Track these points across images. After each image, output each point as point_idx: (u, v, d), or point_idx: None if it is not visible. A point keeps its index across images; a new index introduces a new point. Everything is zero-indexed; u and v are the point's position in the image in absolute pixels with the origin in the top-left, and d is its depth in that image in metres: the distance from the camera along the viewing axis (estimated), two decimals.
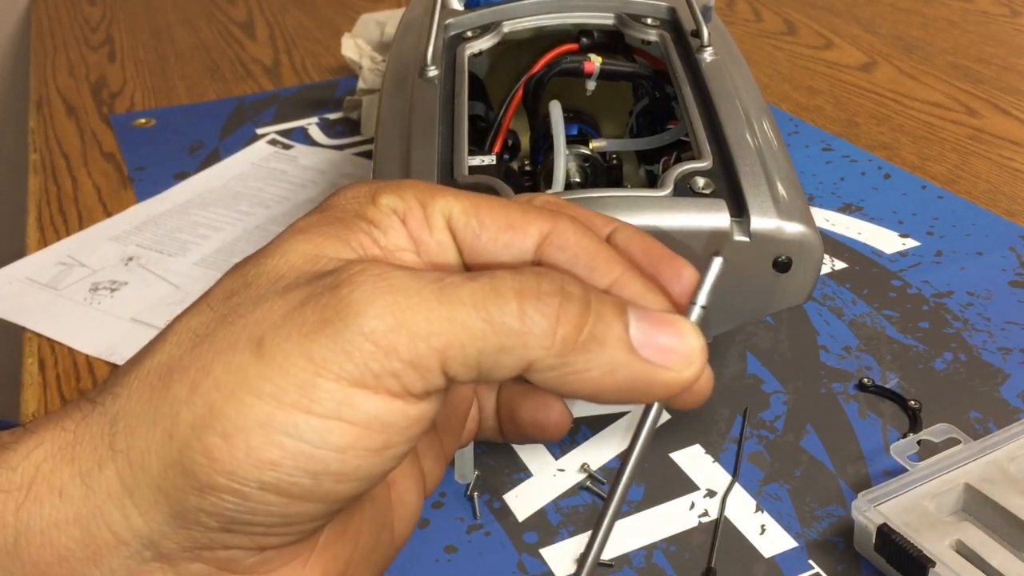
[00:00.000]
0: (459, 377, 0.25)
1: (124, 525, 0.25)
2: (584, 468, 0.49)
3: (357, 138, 0.87)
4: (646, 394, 0.26)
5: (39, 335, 0.62)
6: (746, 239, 0.44)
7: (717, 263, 0.27)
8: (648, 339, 0.26)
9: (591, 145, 0.54)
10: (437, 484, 0.33)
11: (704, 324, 0.27)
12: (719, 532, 0.45)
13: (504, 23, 0.59)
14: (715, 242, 0.44)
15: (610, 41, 0.59)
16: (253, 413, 0.24)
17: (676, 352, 0.26)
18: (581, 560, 0.27)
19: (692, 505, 0.47)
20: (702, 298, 0.27)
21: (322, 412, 0.24)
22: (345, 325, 0.24)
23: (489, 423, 0.34)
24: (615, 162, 0.56)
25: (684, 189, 0.46)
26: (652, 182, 0.55)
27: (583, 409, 0.52)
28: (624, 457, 0.27)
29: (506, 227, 0.28)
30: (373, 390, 0.24)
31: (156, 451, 0.24)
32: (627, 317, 0.26)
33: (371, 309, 0.24)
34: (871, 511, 0.42)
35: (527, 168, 0.58)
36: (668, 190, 0.45)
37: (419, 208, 0.28)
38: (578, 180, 0.54)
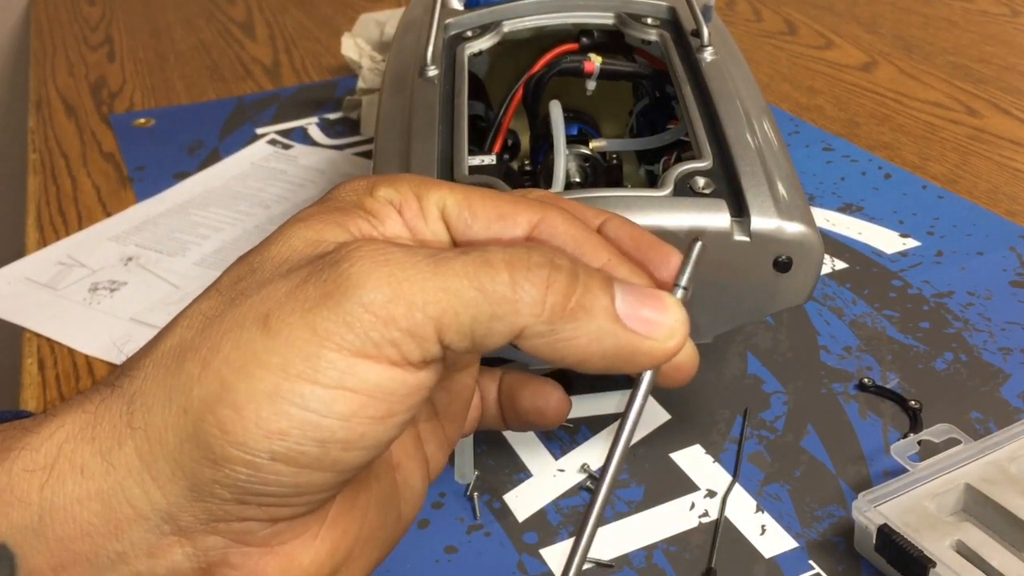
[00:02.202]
0: (454, 345, 0.26)
1: (144, 499, 0.26)
2: (584, 468, 0.49)
3: (357, 138, 0.87)
4: (630, 362, 0.27)
5: (38, 335, 0.62)
6: (746, 239, 0.44)
7: (698, 247, 0.29)
8: (633, 311, 0.27)
9: (591, 145, 0.54)
10: (440, 470, 0.35)
11: (687, 305, 0.28)
12: (719, 532, 0.45)
13: (504, 23, 0.59)
14: (709, 239, 0.44)
15: (610, 41, 0.59)
16: (262, 385, 0.25)
17: (659, 324, 0.27)
18: (571, 552, 0.27)
19: (692, 505, 0.47)
20: (684, 280, 0.29)
21: (327, 382, 0.25)
22: (345, 297, 0.25)
23: (491, 411, 0.35)
24: (615, 162, 0.56)
25: (684, 189, 0.46)
26: (652, 182, 0.55)
27: (583, 409, 0.52)
28: (611, 446, 0.28)
29: (497, 217, 0.29)
30: (374, 359, 0.25)
31: (172, 427, 0.26)
32: (613, 290, 0.27)
33: (369, 281, 0.25)
34: (871, 511, 0.42)
35: (527, 168, 0.58)
36: (668, 190, 0.45)
37: (414, 200, 0.30)
38: (578, 180, 0.54)
